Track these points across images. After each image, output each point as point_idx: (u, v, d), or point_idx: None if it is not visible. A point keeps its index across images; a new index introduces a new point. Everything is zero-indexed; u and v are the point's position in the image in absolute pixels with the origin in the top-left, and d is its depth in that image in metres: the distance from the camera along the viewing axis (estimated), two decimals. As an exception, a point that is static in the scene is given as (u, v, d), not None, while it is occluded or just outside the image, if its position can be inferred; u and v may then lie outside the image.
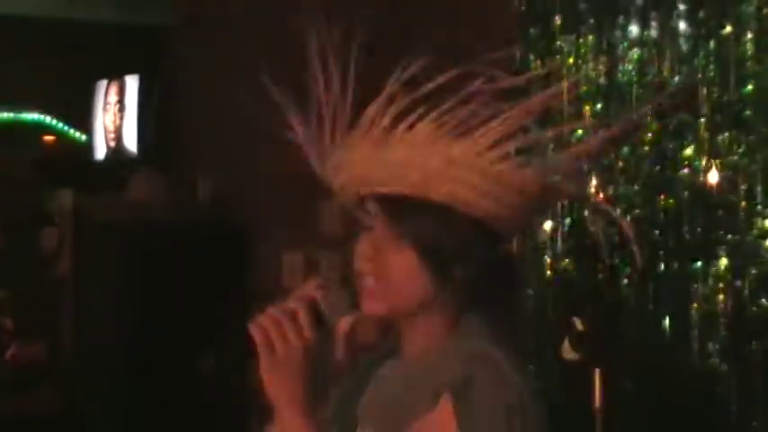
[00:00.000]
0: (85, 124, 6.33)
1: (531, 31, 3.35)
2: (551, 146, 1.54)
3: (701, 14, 2.88)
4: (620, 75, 3.09)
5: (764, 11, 2.71)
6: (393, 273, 1.48)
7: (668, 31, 2.97)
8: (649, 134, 3.00)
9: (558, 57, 3.26)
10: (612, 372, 3.01)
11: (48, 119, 6.94)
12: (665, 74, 2.97)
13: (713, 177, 2.84)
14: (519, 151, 1.47)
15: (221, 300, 4.45)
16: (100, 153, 6.16)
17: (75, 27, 6.54)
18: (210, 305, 4.41)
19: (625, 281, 3.02)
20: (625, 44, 3.08)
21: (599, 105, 3.15)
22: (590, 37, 3.18)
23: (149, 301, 4.56)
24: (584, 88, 3.17)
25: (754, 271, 2.73)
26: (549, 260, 3.28)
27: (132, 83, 5.87)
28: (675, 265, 2.93)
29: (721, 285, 2.81)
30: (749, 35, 2.75)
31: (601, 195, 3.04)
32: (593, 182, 3.00)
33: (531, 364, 3.21)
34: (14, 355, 5.48)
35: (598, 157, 2.04)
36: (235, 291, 4.59)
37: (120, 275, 4.70)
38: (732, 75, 2.79)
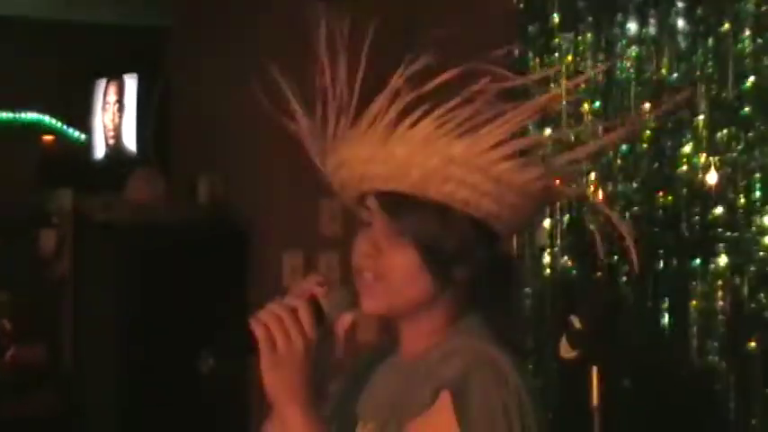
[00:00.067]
0: (84, 124, 6.33)
1: (530, 28, 3.35)
2: (552, 146, 1.54)
3: (700, 12, 2.88)
4: (618, 72, 3.09)
5: (763, 8, 2.72)
6: (392, 271, 1.48)
7: (667, 28, 2.97)
8: (648, 132, 3.00)
9: (556, 54, 3.27)
10: (610, 370, 3.01)
11: (47, 118, 6.93)
12: (664, 71, 2.98)
13: (712, 175, 2.84)
14: (520, 152, 1.47)
15: (221, 300, 4.45)
16: (99, 152, 6.16)
17: (73, 27, 6.54)
18: (210, 305, 4.41)
19: (623, 278, 3.03)
20: (623, 42, 3.09)
21: (597, 103, 3.16)
22: (588, 34, 3.19)
23: (149, 302, 4.56)
24: (583, 86, 3.17)
25: (752, 268, 2.74)
26: (547, 258, 3.28)
27: (131, 82, 5.87)
28: (674, 262, 2.93)
29: (720, 283, 2.82)
30: (747, 32, 2.75)
31: (600, 192, 3.05)
32: (592, 179, 3.00)
33: (529, 362, 3.22)
34: (14, 357, 5.47)
35: (598, 159, 2.05)
36: (234, 290, 4.59)
37: (119, 276, 4.70)
38: (730, 72, 2.80)
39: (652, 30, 3.01)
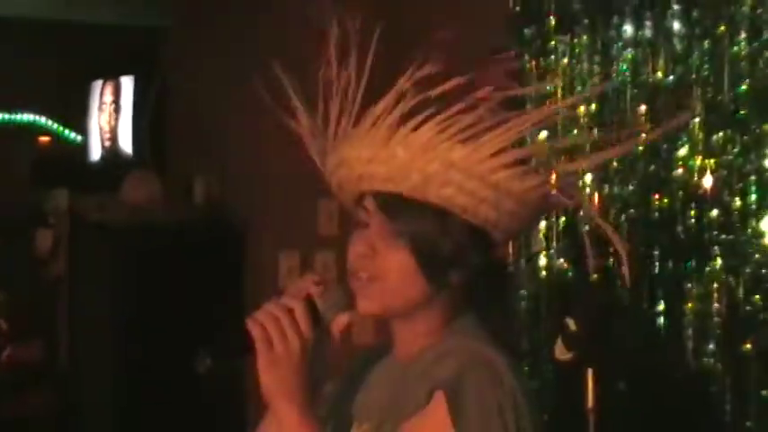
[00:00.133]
0: (81, 125, 6.32)
1: (526, 31, 3.35)
2: (549, 152, 1.55)
3: (695, 14, 2.89)
4: (614, 75, 3.10)
5: (758, 10, 2.72)
6: (387, 272, 1.48)
7: (662, 30, 2.98)
8: (643, 134, 3.00)
9: (552, 57, 3.27)
10: (606, 372, 3.02)
11: (43, 119, 6.93)
12: (660, 74, 2.98)
13: (707, 177, 2.85)
14: (520, 161, 1.48)
15: (217, 300, 4.45)
16: (95, 154, 6.15)
17: (70, 28, 6.54)
18: (206, 305, 4.41)
19: (619, 281, 3.03)
20: (619, 44, 3.09)
21: (593, 106, 3.16)
22: (584, 37, 3.19)
23: (145, 302, 4.56)
24: (579, 88, 3.18)
25: (748, 270, 2.74)
26: (543, 260, 3.28)
27: (128, 83, 5.87)
28: (670, 264, 2.94)
29: (715, 285, 2.82)
30: (743, 35, 2.76)
31: (596, 195, 3.05)
32: (588, 182, 3.01)
33: (524, 364, 3.22)
34: (10, 357, 5.47)
35: (599, 170, 2.07)
36: (231, 291, 4.59)
37: (115, 276, 4.70)
38: (726, 74, 2.80)
39: (648, 32, 3.01)
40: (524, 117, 1.48)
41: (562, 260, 3.25)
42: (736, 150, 2.78)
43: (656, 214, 2.98)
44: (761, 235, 2.72)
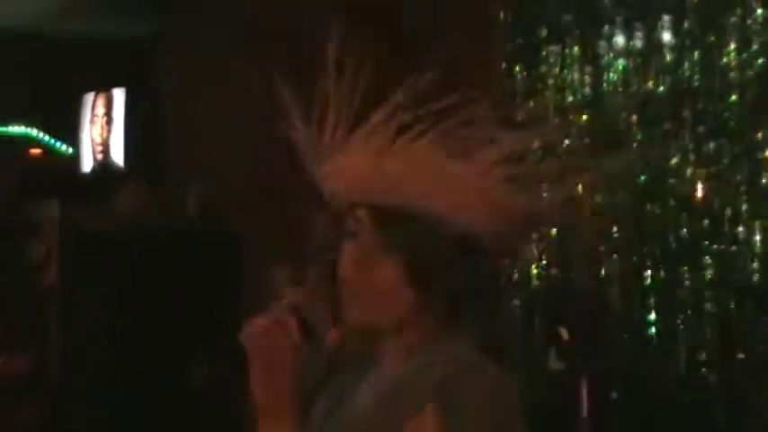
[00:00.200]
0: (72, 137, 6.32)
1: (518, 41, 3.37)
2: (540, 153, 1.55)
3: (686, 25, 2.90)
4: (605, 85, 3.11)
5: (747, 21, 2.74)
6: (376, 282, 1.48)
7: (653, 41, 2.99)
8: (635, 144, 3.02)
9: (543, 67, 3.28)
10: (599, 381, 3.02)
11: (34, 132, 6.92)
12: (651, 84, 2.99)
13: (699, 187, 2.86)
14: (513, 177, 1.48)
15: (210, 310, 4.44)
16: (87, 166, 6.15)
17: (61, 40, 6.54)
18: (199, 316, 4.41)
19: (612, 290, 3.04)
20: (610, 54, 3.10)
21: (584, 117, 3.17)
22: (575, 47, 3.20)
23: (137, 313, 4.55)
24: (571, 98, 3.19)
25: (739, 278, 2.75)
26: (535, 270, 3.29)
27: (119, 95, 5.87)
28: (662, 273, 2.94)
29: (707, 294, 2.83)
30: (733, 45, 2.77)
31: (587, 205, 3.06)
32: (580, 191, 3.01)
33: (518, 373, 3.22)
34: (1, 367, 5.45)
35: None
36: (224, 301, 4.58)
37: (107, 287, 4.69)
38: (717, 85, 2.81)
39: (639, 42, 3.03)
40: (518, 135, 1.49)
41: (554, 270, 3.25)
42: (726, 160, 2.79)
43: (648, 224, 2.98)
44: (751, 244, 2.73)
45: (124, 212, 4.97)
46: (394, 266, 1.47)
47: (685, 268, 2.88)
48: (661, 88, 2.96)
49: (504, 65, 3.34)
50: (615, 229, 3.06)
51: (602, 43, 3.12)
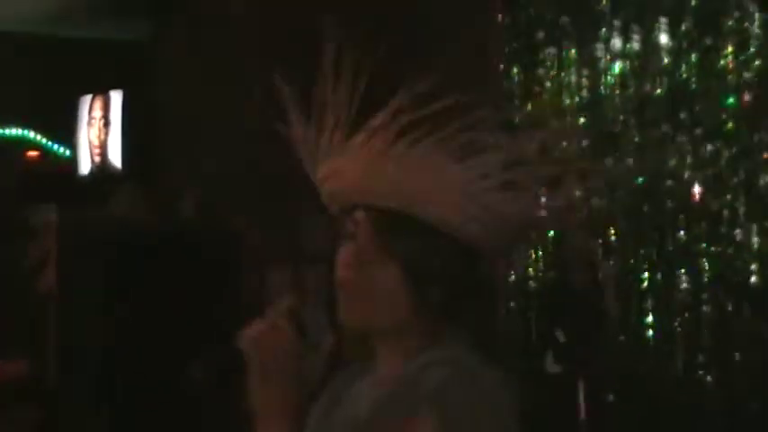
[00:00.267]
0: (69, 140, 6.32)
1: (515, 44, 3.37)
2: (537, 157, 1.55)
3: (683, 28, 2.91)
4: (602, 87, 3.11)
5: (744, 24, 2.74)
6: (373, 285, 1.48)
7: (650, 44, 2.99)
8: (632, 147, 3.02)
9: (540, 69, 3.28)
10: (596, 383, 3.02)
11: (31, 134, 6.92)
12: (648, 87, 3.00)
13: (696, 189, 2.86)
14: (511, 182, 1.48)
15: (207, 313, 4.44)
16: (84, 168, 6.15)
17: (58, 42, 6.54)
18: (197, 319, 4.40)
19: (608, 292, 3.04)
20: (608, 57, 3.11)
21: (582, 119, 3.17)
22: (572, 50, 3.21)
23: (136, 315, 4.55)
24: (568, 101, 3.19)
25: (736, 280, 2.75)
26: (532, 272, 3.29)
27: (116, 98, 5.87)
28: (659, 275, 2.95)
29: (704, 296, 2.83)
30: (730, 48, 2.77)
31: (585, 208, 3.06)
32: (577, 194, 3.01)
33: (515, 375, 3.22)
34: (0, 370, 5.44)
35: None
36: (224, 302, 4.58)
37: (105, 290, 4.68)
38: (714, 87, 2.82)
39: (636, 45, 3.03)
40: (518, 141, 1.49)
41: (551, 273, 3.25)
42: (723, 162, 2.80)
43: (646, 225, 2.99)
44: (748, 245, 2.74)
45: (122, 215, 4.97)
46: (392, 268, 1.47)
47: (683, 270, 2.88)
48: (658, 91, 2.97)
49: (501, 67, 3.34)
50: (612, 231, 3.06)
51: (600, 46, 3.12)
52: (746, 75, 2.75)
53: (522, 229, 1.53)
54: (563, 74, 3.22)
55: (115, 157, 5.86)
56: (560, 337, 2.53)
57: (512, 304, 3.34)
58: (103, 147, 5.97)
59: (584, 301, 3.09)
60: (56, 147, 6.93)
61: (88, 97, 6.10)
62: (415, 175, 1.46)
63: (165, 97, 5.62)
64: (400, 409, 1.44)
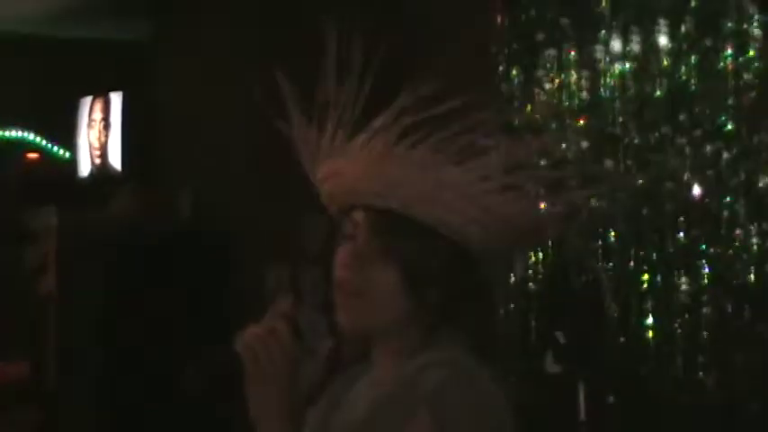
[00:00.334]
0: (69, 142, 6.32)
1: (515, 45, 3.37)
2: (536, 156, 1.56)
3: (683, 29, 2.91)
4: (602, 89, 3.11)
5: (744, 25, 2.74)
6: (371, 286, 1.48)
7: (650, 45, 2.99)
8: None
9: (540, 71, 3.28)
10: (596, 384, 3.02)
11: (31, 136, 6.92)
12: (647, 88, 3.00)
13: (696, 190, 2.86)
14: (511, 185, 1.48)
15: (206, 315, 4.44)
16: (84, 170, 6.15)
17: (58, 43, 6.54)
18: (195, 320, 4.40)
19: (608, 294, 3.03)
20: (608, 58, 3.11)
21: (581, 121, 3.17)
22: (572, 52, 3.21)
23: (136, 317, 4.55)
24: (567, 103, 3.19)
25: (736, 282, 2.75)
26: (531, 273, 3.29)
27: (117, 100, 5.87)
28: (659, 277, 2.95)
29: (704, 298, 2.83)
30: (730, 49, 2.77)
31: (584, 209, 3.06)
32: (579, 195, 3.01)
33: (514, 377, 3.22)
34: (0, 372, 5.44)
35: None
36: (219, 306, 4.58)
37: (105, 292, 4.69)
38: (714, 88, 2.82)
39: (636, 47, 3.03)
40: (518, 144, 1.50)
41: (551, 274, 3.25)
42: (724, 164, 2.80)
43: (646, 227, 2.99)
44: (749, 246, 2.74)
45: (122, 216, 4.97)
46: (390, 270, 1.47)
47: (682, 271, 2.88)
48: (658, 92, 2.97)
49: (501, 68, 3.34)
50: (612, 232, 3.06)
51: (600, 47, 3.12)
52: (746, 76, 2.75)
53: (522, 232, 1.53)
54: (563, 75, 3.22)
55: (115, 159, 5.86)
56: (560, 338, 2.52)
57: (511, 305, 3.34)
58: (104, 148, 5.97)
59: (584, 302, 3.09)
60: (55, 149, 6.93)
61: (88, 99, 6.10)
62: (416, 177, 1.47)
63: (165, 97, 5.62)
64: (398, 411, 1.44)
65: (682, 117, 2.90)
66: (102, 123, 6.01)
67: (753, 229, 2.73)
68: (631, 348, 2.99)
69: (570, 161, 2.73)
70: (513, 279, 3.31)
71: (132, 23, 6.11)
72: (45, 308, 5.21)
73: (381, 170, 1.47)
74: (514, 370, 3.24)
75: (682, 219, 2.90)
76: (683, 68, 2.90)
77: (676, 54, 2.92)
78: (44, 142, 6.96)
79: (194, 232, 4.93)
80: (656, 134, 2.97)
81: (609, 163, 3.04)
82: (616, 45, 3.09)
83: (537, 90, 3.28)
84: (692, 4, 2.86)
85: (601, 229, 3.07)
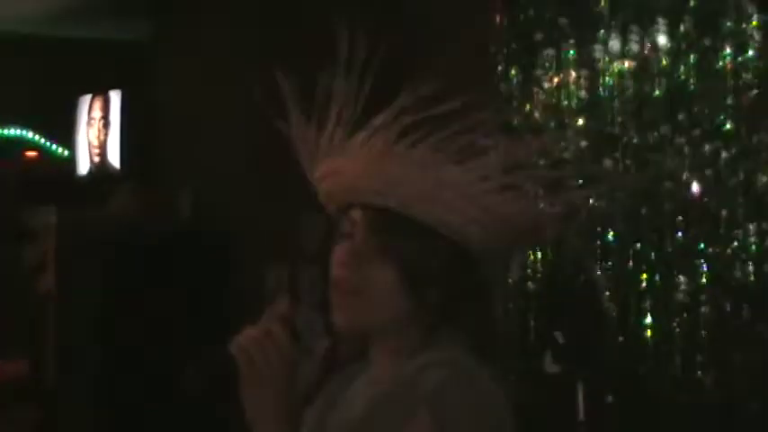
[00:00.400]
0: (68, 140, 6.32)
1: (514, 45, 3.37)
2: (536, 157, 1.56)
3: (682, 28, 2.91)
4: (600, 89, 3.11)
5: (743, 25, 2.74)
6: (369, 286, 1.47)
7: (649, 45, 2.99)
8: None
9: (539, 70, 3.28)
10: (595, 384, 3.02)
11: (30, 134, 6.91)
12: (646, 88, 3.00)
13: (695, 190, 2.86)
14: (511, 185, 1.48)
15: (205, 314, 4.44)
16: (83, 168, 6.14)
17: (58, 42, 6.54)
18: (194, 320, 4.40)
19: (607, 293, 3.04)
20: (606, 58, 3.11)
21: (581, 121, 3.17)
22: (571, 51, 3.21)
23: (135, 316, 4.55)
24: (566, 103, 3.19)
25: (735, 281, 2.75)
26: (531, 273, 3.29)
27: (116, 98, 5.86)
28: (657, 276, 2.95)
29: (703, 297, 2.83)
30: (729, 49, 2.77)
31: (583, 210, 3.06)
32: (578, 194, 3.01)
33: (513, 377, 3.22)
34: (-1, 371, 5.44)
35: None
36: (221, 307, 4.58)
37: (104, 291, 4.69)
38: (713, 88, 2.82)
39: (635, 46, 3.03)
40: (518, 144, 1.50)
41: (549, 273, 3.25)
42: (722, 163, 2.80)
43: (645, 226, 2.99)
44: (747, 246, 2.74)
45: (121, 215, 4.97)
46: (387, 269, 1.47)
47: (681, 271, 2.88)
48: (657, 92, 2.97)
49: (500, 68, 3.35)
50: (611, 231, 3.06)
51: (599, 47, 3.12)
52: (745, 76, 2.75)
53: (521, 232, 1.53)
54: (561, 74, 3.22)
55: (114, 158, 5.86)
56: (559, 337, 2.52)
57: (510, 305, 3.34)
58: (103, 147, 5.97)
59: (582, 301, 3.09)
60: (55, 147, 6.93)
61: (87, 97, 6.09)
62: (415, 176, 1.46)
63: (165, 97, 5.62)
64: (397, 410, 1.44)
65: (681, 117, 2.90)
66: (102, 122, 6.00)
67: (752, 228, 2.73)
68: (630, 348, 2.99)
69: (569, 161, 2.73)
70: (511, 279, 3.31)
71: (132, 23, 6.11)
72: (44, 306, 5.21)
73: (381, 168, 1.47)
74: (513, 370, 3.24)
75: (680, 218, 2.90)
76: (682, 68, 2.90)
77: (675, 53, 2.92)
78: (43, 140, 6.96)
79: (194, 232, 4.93)
80: (655, 134, 2.97)
81: (608, 162, 3.04)
82: (615, 45, 3.09)
83: (536, 89, 3.28)
84: (691, 3, 2.87)
85: (599, 229, 3.07)
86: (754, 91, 2.73)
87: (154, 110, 5.61)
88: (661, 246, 2.93)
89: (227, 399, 1.48)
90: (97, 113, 6.05)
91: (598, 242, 3.06)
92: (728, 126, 2.79)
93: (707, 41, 2.84)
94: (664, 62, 2.95)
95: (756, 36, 2.73)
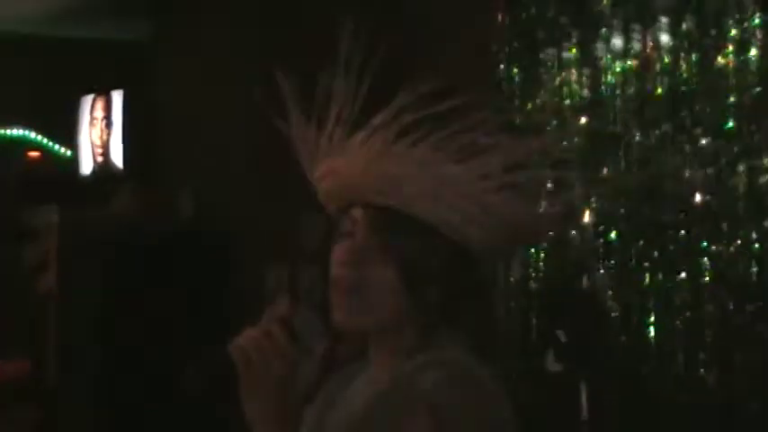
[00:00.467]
0: (71, 140, 6.32)
1: (515, 44, 3.37)
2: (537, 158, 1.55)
3: (684, 27, 2.90)
4: (602, 87, 3.11)
5: (745, 23, 2.74)
6: (369, 283, 1.47)
7: (651, 43, 2.99)
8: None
9: (541, 69, 3.28)
10: (598, 383, 3.02)
11: (32, 134, 6.92)
12: (648, 86, 2.99)
13: (697, 188, 2.86)
14: (511, 183, 1.48)
15: (205, 314, 4.44)
16: (86, 168, 6.15)
17: (58, 42, 6.54)
18: (194, 320, 4.40)
19: (609, 292, 3.03)
20: (608, 57, 3.10)
21: (583, 120, 3.17)
22: (573, 50, 3.21)
23: (136, 316, 4.55)
24: (568, 101, 3.19)
25: (737, 280, 2.75)
26: (532, 272, 3.29)
27: (118, 98, 5.87)
28: (660, 275, 2.94)
29: (705, 296, 2.83)
30: (730, 47, 2.77)
31: (586, 210, 3.06)
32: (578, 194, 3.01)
33: (514, 376, 3.22)
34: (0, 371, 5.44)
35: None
36: (221, 307, 4.58)
37: (105, 291, 4.68)
38: (714, 87, 2.81)
39: (636, 45, 3.03)
40: (519, 143, 1.49)
41: (551, 272, 3.25)
42: (724, 161, 2.79)
43: (647, 225, 2.98)
44: (750, 245, 2.73)
45: (123, 215, 4.97)
46: (388, 268, 1.47)
47: (684, 269, 2.87)
48: (659, 90, 2.96)
49: (501, 67, 3.34)
50: (613, 230, 3.06)
51: (600, 45, 3.12)
52: (747, 74, 2.74)
53: (522, 231, 1.52)
54: (563, 73, 3.21)
55: (117, 157, 5.87)
56: (561, 336, 2.52)
57: (512, 304, 3.34)
58: (105, 147, 5.97)
59: (584, 300, 3.09)
60: (56, 147, 6.93)
61: (90, 97, 6.10)
62: (416, 175, 1.46)
63: (166, 97, 5.62)
64: (396, 409, 1.43)
65: (683, 115, 2.90)
66: (104, 122, 6.01)
67: (754, 227, 2.73)
68: (632, 347, 2.99)
69: (570, 160, 2.72)
70: (513, 278, 3.31)
71: (132, 23, 6.10)
72: (45, 306, 5.20)
73: (380, 167, 1.47)
74: (515, 369, 3.24)
75: (682, 217, 2.89)
76: (684, 67, 2.90)
77: (677, 52, 2.92)
78: (45, 141, 6.96)
79: (194, 232, 4.92)
80: (657, 132, 2.96)
81: (609, 161, 3.04)
82: (617, 43, 3.09)
83: (537, 89, 3.28)
84: (693, 2, 2.86)
85: (602, 228, 3.07)
86: (756, 89, 2.73)
87: (154, 110, 5.61)
88: (663, 245, 2.93)
89: (227, 399, 1.48)
90: (99, 113, 6.05)
91: (600, 241, 3.06)
92: (730, 124, 2.78)
93: (709, 40, 2.83)
94: (665, 61, 2.95)
95: (758, 35, 2.72)
